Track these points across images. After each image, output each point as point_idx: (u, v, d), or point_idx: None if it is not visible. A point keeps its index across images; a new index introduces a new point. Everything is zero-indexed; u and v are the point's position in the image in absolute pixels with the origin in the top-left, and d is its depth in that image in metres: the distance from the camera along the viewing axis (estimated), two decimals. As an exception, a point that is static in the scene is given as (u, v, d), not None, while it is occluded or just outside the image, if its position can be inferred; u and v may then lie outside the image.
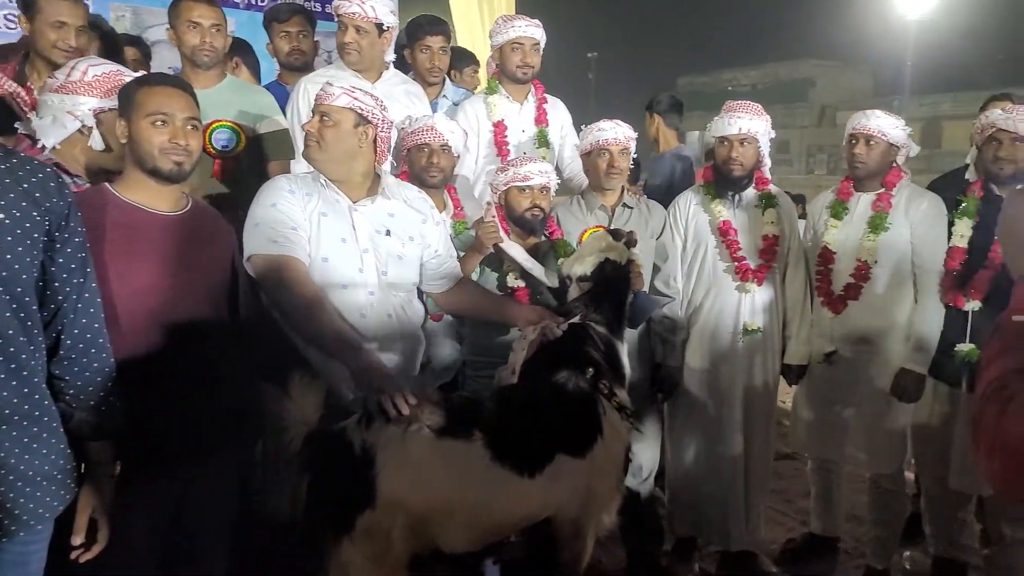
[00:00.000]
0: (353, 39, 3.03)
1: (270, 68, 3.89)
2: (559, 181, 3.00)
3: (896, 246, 2.95)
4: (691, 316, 3.13)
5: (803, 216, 3.41)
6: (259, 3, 4.56)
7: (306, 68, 3.55)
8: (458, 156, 2.94)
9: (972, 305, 2.88)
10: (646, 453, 3.11)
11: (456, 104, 3.60)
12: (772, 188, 3.14)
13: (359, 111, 2.27)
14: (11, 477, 1.51)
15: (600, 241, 2.46)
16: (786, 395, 3.51)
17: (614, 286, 2.40)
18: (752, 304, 3.07)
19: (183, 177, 1.97)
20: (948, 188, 3.06)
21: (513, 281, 2.79)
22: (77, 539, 1.67)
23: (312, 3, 4.74)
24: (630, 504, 2.67)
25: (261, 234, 2.19)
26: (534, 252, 2.82)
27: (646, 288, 2.80)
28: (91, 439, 1.69)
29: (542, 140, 3.45)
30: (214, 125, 2.87)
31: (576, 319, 2.33)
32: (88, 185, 2.07)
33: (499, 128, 3.40)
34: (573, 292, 2.43)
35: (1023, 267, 1.03)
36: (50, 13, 2.63)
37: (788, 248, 3.12)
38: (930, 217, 2.95)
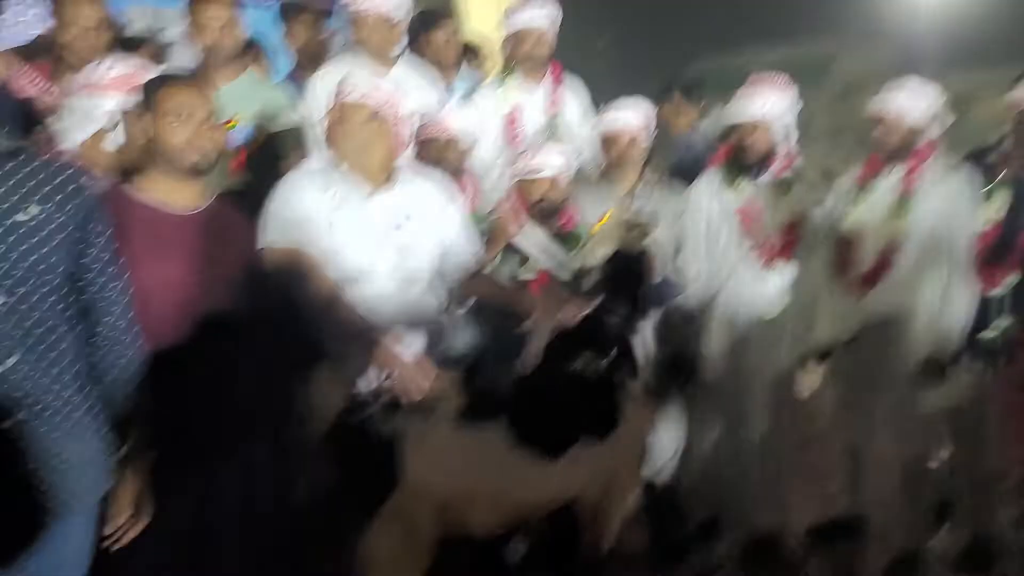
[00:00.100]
0: (370, 33, 3.03)
1: (284, 63, 3.91)
2: (577, 167, 2.98)
3: (924, 225, 2.89)
4: (711, 301, 3.11)
5: (827, 197, 3.36)
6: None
7: (320, 60, 3.56)
8: (470, 146, 2.94)
9: (1004, 285, 2.82)
10: (668, 437, 3.11)
11: (469, 92, 3.59)
12: (794, 167, 3.08)
13: (375, 103, 2.28)
14: (53, 463, 1.57)
15: (617, 228, 2.46)
16: (808, 378, 3.47)
17: (631, 274, 2.41)
18: (773, 288, 3.04)
19: (205, 174, 2.01)
20: (980, 164, 2.99)
21: (530, 269, 2.79)
22: (115, 524, 1.71)
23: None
24: (653, 487, 2.68)
25: (275, 226, 2.22)
26: (550, 240, 2.81)
27: (664, 274, 2.80)
28: (125, 426, 1.74)
29: (556, 126, 3.43)
30: (234, 122, 2.89)
31: (594, 306, 2.34)
32: (113, 184, 2.11)
33: (512, 116, 3.39)
34: (589, 280, 2.44)
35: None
36: (76, 15, 2.66)
37: (810, 230, 3.08)
38: (960, 195, 2.88)
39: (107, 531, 1.71)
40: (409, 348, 2.31)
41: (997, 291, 2.83)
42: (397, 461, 1.89)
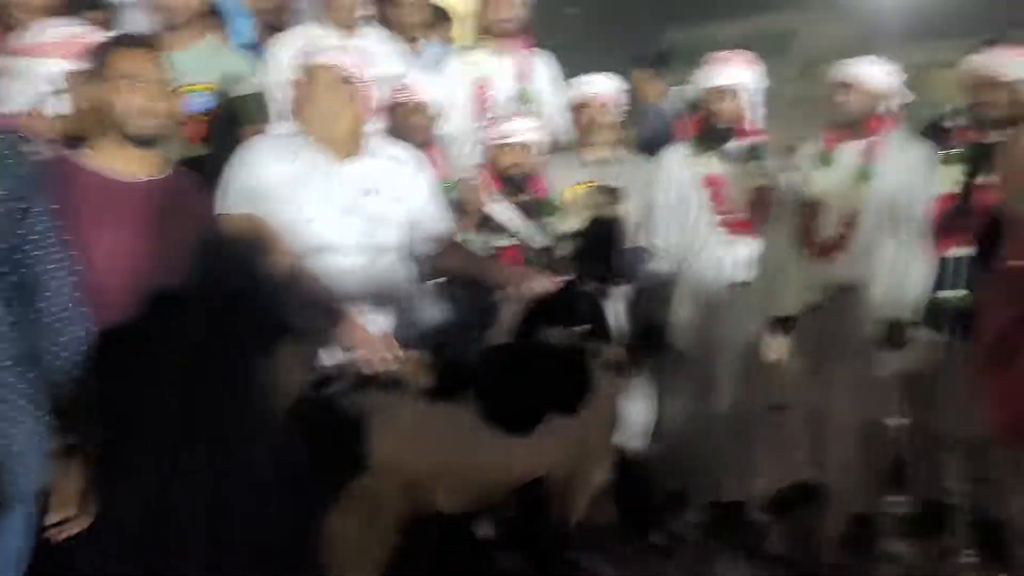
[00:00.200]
0: None
1: (244, 29, 3.78)
2: (548, 137, 2.96)
3: (882, 195, 2.94)
4: (680, 271, 3.13)
5: (790, 168, 3.39)
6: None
7: (282, 26, 3.45)
8: (438, 114, 2.89)
9: (957, 252, 2.88)
10: (638, 408, 3.12)
11: (436, 61, 3.52)
12: (759, 139, 3.11)
13: (342, 68, 2.21)
14: None
15: (589, 197, 2.44)
16: (775, 346, 3.52)
17: (603, 242, 2.39)
18: (740, 256, 3.07)
19: (160, 141, 1.93)
20: (935, 135, 3.05)
21: (501, 241, 2.77)
22: (56, 516, 1.64)
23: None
24: (622, 460, 2.70)
25: (234, 193, 2.16)
26: (520, 210, 2.79)
27: (635, 243, 2.80)
28: (69, 412, 1.66)
29: (525, 96, 3.39)
30: (191, 88, 2.79)
31: (566, 277, 2.32)
32: (59, 152, 2.01)
33: (481, 85, 3.34)
34: (562, 249, 2.42)
35: (1017, 211, 1.01)
36: None
37: (776, 199, 3.10)
38: (917, 164, 2.94)
39: (48, 527, 1.60)
40: (375, 322, 2.28)
41: (953, 257, 2.88)
42: (363, 439, 1.86)
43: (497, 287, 2.44)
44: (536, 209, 2.86)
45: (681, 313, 3.13)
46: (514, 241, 2.77)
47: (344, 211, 2.26)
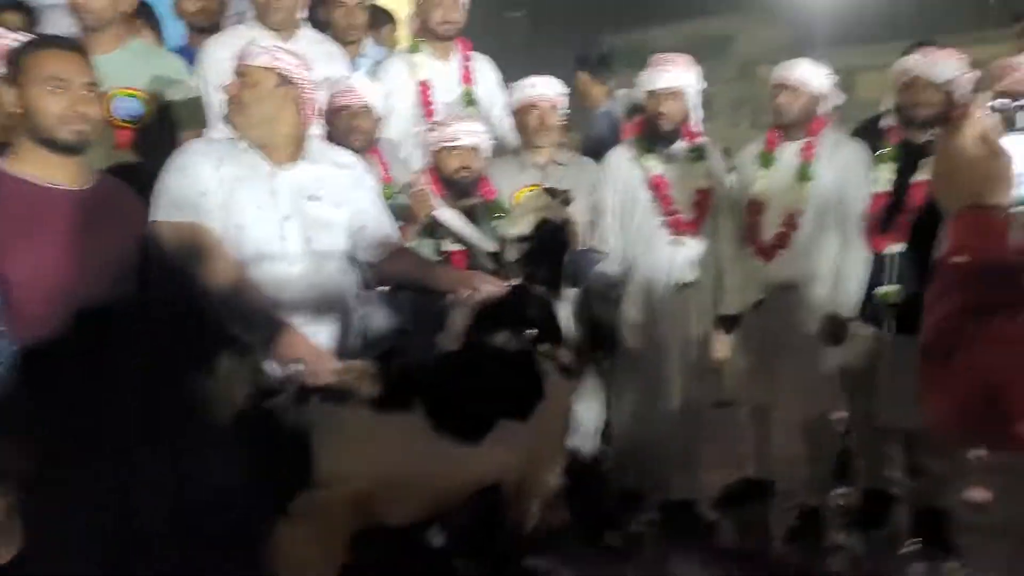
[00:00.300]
0: None
1: (177, 31, 3.67)
2: (492, 140, 2.94)
3: (822, 194, 3.01)
4: (627, 271, 3.14)
5: (731, 169, 3.45)
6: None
7: (214, 29, 3.35)
8: (381, 118, 2.84)
9: (893, 248, 2.95)
10: (590, 410, 3.13)
11: (377, 64, 3.47)
12: (702, 140, 3.15)
13: (281, 71, 2.14)
14: None
15: (536, 200, 2.43)
16: (720, 344, 3.57)
17: (552, 245, 2.38)
18: (686, 257, 3.10)
19: (85, 148, 1.84)
20: (868, 135, 3.12)
21: (449, 245, 2.73)
22: None
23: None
24: (574, 462, 2.69)
25: (167, 200, 2.07)
26: (468, 214, 2.77)
27: (584, 245, 2.79)
28: None
29: (468, 99, 3.37)
30: (116, 92, 2.68)
31: (515, 280, 2.30)
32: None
33: (424, 88, 3.30)
34: (511, 253, 2.40)
35: (953, 207, 1.03)
36: None
37: (719, 200, 3.14)
38: (854, 164, 3.01)
39: None
40: (318, 331, 2.22)
41: (888, 253, 2.95)
42: (309, 453, 1.80)
43: (445, 292, 2.41)
44: (484, 213, 2.83)
45: (629, 314, 3.15)
46: (462, 246, 2.74)
47: (284, 217, 2.19)
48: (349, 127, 2.70)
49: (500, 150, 3.31)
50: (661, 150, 3.09)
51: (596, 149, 3.66)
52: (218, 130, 2.41)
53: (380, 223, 2.46)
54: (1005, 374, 0.83)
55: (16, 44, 1.87)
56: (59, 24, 3.31)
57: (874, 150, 3.01)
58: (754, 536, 3.23)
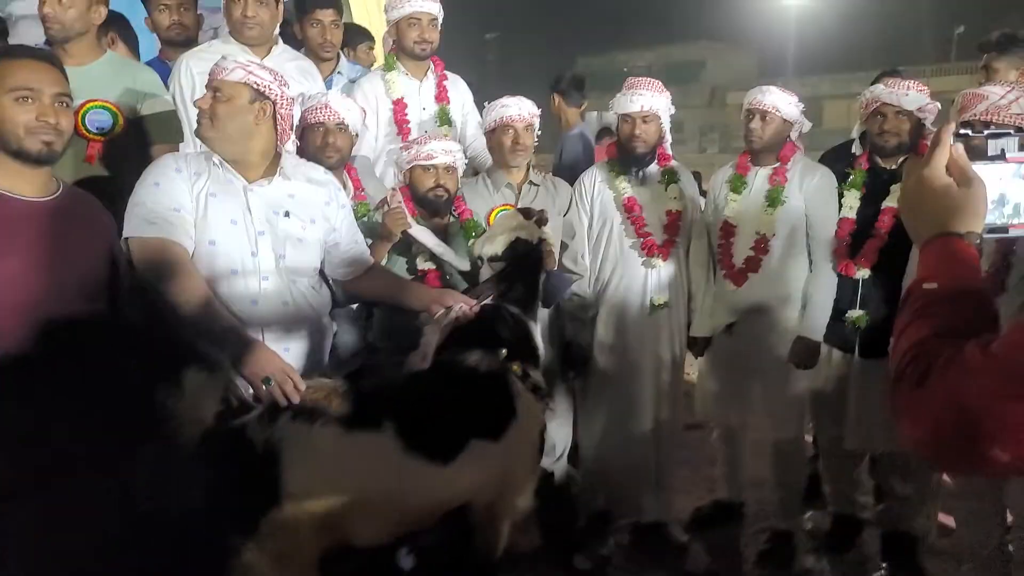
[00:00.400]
0: (255, 13, 2.87)
1: (150, 45, 3.63)
2: (466, 161, 2.94)
3: (792, 218, 3.05)
4: (599, 293, 3.16)
5: (701, 193, 3.49)
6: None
7: (189, 43, 3.33)
8: (356, 135, 2.83)
9: (861, 273, 2.99)
10: (559, 432, 3.12)
11: (352, 81, 3.47)
12: (674, 164, 3.19)
13: (255, 86, 2.13)
14: None
15: (511, 220, 2.42)
16: (691, 367, 3.59)
17: (526, 265, 2.38)
18: (658, 279, 3.12)
19: (53, 159, 1.80)
20: (836, 162, 3.18)
21: (423, 264, 2.72)
22: None
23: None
24: (544, 484, 2.67)
25: (139, 215, 2.04)
26: (442, 233, 2.76)
27: (556, 266, 2.80)
28: None
29: (443, 118, 3.38)
30: (88, 105, 2.64)
31: (488, 300, 2.30)
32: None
33: (399, 106, 3.30)
34: (485, 273, 2.39)
35: (923, 235, 1.05)
36: None
37: (691, 223, 3.18)
38: (822, 190, 3.05)
39: None
40: (288, 348, 2.19)
41: (857, 276, 2.99)
42: (278, 471, 1.77)
43: (418, 310, 2.40)
44: (462, 230, 2.83)
45: (601, 334, 3.15)
46: (436, 264, 2.73)
47: (258, 233, 2.17)
48: (323, 144, 2.68)
49: (474, 170, 3.32)
50: (634, 173, 3.12)
51: (569, 170, 3.69)
52: (192, 144, 2.38)
53: (353, 240, 2.44)
54: (978, 400, 0.84)
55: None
56: (33, 35, 3.26)
57: (844, 176, 3.06)
58: (724, 559, 3.22)
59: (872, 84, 3.10)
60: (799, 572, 3.09)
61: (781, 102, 3.01)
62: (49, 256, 1.78)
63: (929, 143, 1.07)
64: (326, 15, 3.41)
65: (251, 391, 2.02)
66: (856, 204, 3.03)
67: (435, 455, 1.98)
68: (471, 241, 2.64)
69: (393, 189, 2.78)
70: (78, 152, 2.57)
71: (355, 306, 2.72)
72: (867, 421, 2.98)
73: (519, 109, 2.90)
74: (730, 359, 3.19)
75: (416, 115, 3.36)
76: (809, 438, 3.43)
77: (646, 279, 3.11)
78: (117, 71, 2.77)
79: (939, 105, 2.95)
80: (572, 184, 3.20)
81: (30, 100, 1.74)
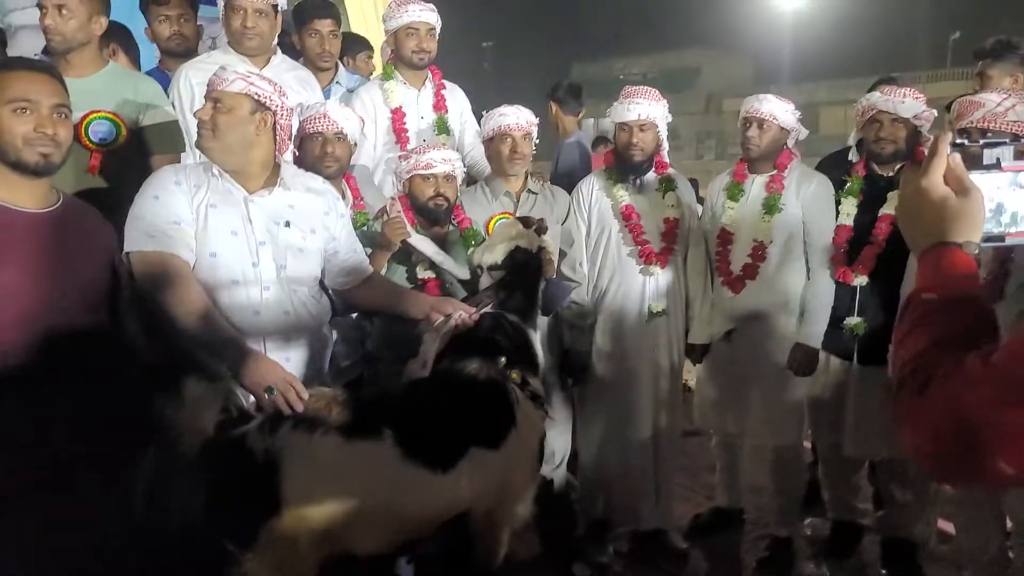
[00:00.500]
0: (254, 24, 2.88)
1: (149, 55, 3.64)
2: (464, 169, 2.95)
3: (789, 226, 3.05)
4: (597, 300, 3.16)
5: (698, 200, 3.50)
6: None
7: (188, 54, 3.33)
8: (355, 144, 2.84)
9: (859, 280, 3.00)
10: (558, 439, 3.12)
11: (350, 91, 3.48)
12: (671, 171, 3.20)
13: (255, 97, 2.14)
14: None
15: (510, 228, 2.43)
16: (689, 374, 3.59)
17: (525, 274, 2.39)
18: (656, 286, 3.12)
19: (52, 170, 1.81)
20: (833, 169, 3.18)
21: (423, 273, 2.72)
22: None
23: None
24: (543, 491, 2.67)
25: (139, 229, 2.05)
26: (442, 242, 2.77)
27: (555, 274, 2.80)
28: None
29: (441, 127, 3.39)
30: (91, 116, 2.65)
31: (488, 308, 2.30)
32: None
33: (397, 115, 3.31)
34: (484, 281, 2.40)
35: (921, 245, 1.05)
36: None
37: (688, 230, 3.18)
38: (819, 197, 3.06)
39: None
40: (289, 358, 2.20)
41: (855, 283, 3.00)
42: (278, 481, 1.77)
43: (418, 319, 2.41)
44: (459, 241, 2.84)
45: (600, 342, 3.15)
46: (435, 273, 2.73)
47: (259, 243, 2.18)
48: (323, 153, 2.69)
49: (473, 178, 3.33)
50: (631, 180, 3.13)
51: (566, 178, 3.70)
52: (192, 155, 2.38)
53: (352, 250, 2.45)
54: (979, 410, 0.84)
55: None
56: (31, 46, 3.27)
57: (841, 183, 3.07)
58: (724, 567, 3.22)
59: (868, 92, 3.11)
60: (799, 579, 3.09)
61: (778, 110, 3.02)
62: (49, 267, 1.78)
63: (926, 152, 1.07)
64: (324, 25, 3.42)
65: (252, 401, 2.02)
66: (853, 211, 3.04)
67: (435, 463, 1.98)
68: (470, 250, 2.65)
69: (392, 198, 2.79)
70: (80, 163, 2.58)
71: (354, 316, 2.73)
72: (865, 427, 2.98)
73: (517, 118, 2.91)
74: (728, 366, 3.20)
75: (414, 124, 3.37)
76: (808, 444, 3.44)
77: (644, 287, 3.12)
78: (119, 82, 2.78)
79: (935, 112, 2.96)
80: (569, 192, 3.21)
81: (28, 111, 1.75)
